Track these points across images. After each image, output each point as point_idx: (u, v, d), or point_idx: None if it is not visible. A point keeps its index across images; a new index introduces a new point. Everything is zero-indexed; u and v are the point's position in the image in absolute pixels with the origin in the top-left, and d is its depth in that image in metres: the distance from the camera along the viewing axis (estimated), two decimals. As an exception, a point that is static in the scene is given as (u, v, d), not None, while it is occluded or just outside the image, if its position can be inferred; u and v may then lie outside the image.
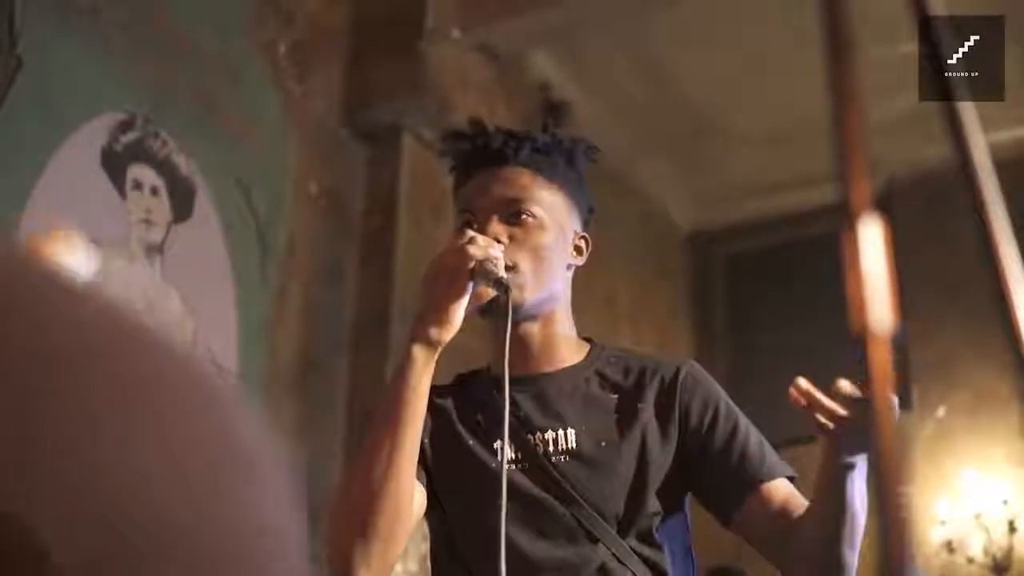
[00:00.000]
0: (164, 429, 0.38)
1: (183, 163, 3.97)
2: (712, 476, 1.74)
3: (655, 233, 6.74)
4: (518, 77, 5.58)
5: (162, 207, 3.87)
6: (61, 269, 0.41)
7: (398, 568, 4.25)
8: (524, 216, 1.77)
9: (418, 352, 1.63)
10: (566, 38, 5.66)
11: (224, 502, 0.39)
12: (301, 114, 4.59)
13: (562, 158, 1.84)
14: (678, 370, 1.79)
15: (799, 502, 1.70)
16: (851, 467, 1.57)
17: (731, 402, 1.79)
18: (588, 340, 1.89)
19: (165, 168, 3.90)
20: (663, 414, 1.75)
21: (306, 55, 4.65)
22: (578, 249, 1.86)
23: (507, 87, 5.39)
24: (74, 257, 0.58)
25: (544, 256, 1.76)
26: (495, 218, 1.77)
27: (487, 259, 1.63)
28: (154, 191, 3.85)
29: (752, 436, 1.75)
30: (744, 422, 1.76)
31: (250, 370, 4.11)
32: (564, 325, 1.84)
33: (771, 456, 1.74)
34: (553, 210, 1.80)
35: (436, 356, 1.65)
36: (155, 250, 3.82)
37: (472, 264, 1.62)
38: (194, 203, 4.01)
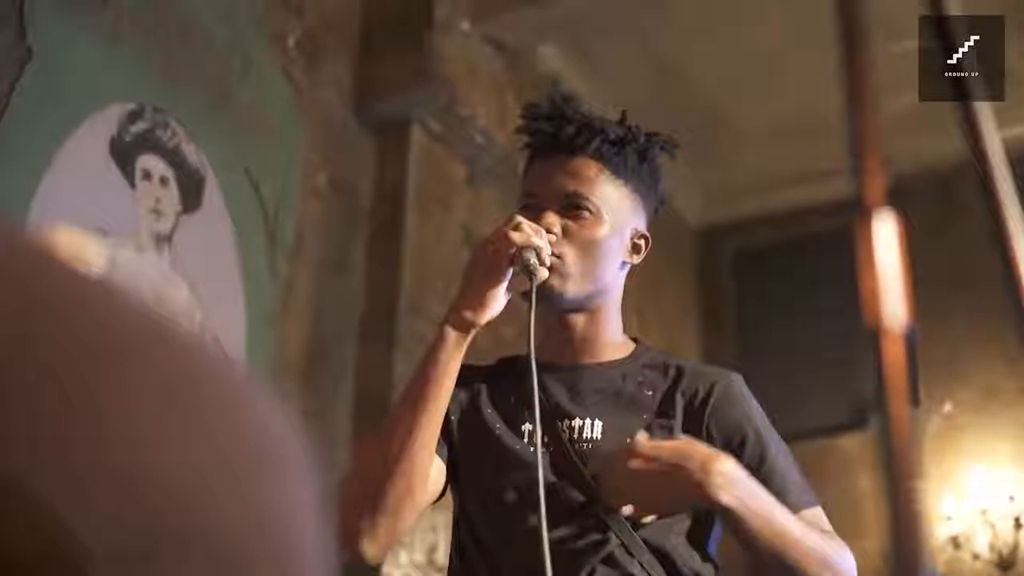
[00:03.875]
0: (195, 427, 0.38)
1: (192, 153, 3.97)
2: None
3: (663, 227, 6.71)
4: (527, 70, 5.58)
5: (171, 197, 3.88)
6: (89, 266, 0.41)
7: (403, 559, 4.25)
8: (581, 210, 1.76)
9: (450, 332, 1.65)
10: (575, 31, 5.66)
11: (251, 500, 0.39)
12: (310, 105, 4.58)
13: (635, 153, 1.82)
14: (713, 385, 1.76)
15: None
16: (732, 515, 1.56)
17: (764, 424, 1.76)
18: (635, 340, 1.89)
19: (174, 158, 3.90)
20: (691, 425, 1.73)
21: (315, 46, 4.65)
22: (636, 248, 1.85)
23: (516, 80, 5.39)
24: (84, 256, 0.58)
25: (594, 252, 1.75)
26: (552, 207, 1.76)
27: (527, 245, 1.63)
28: (163, 181, 3.85)
29: (778, 467, 1.71)
30: (774, 449, 1.73)
31: (257, 361, 4.11)
32: (610, 321, 1.84)
33: (794, 489, 1.71)
34: (614, 206, 1.79)
35: (469, 338, 1.66)
36: (164, 240, 3.83)
37: (513, 250, 1.62)
38: (203, 193, 4.01)
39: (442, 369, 1.64)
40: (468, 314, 1.65)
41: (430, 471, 1.66)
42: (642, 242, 1.86)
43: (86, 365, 0.37)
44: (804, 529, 1.62)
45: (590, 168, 1.79)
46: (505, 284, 1.65)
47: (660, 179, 1.88)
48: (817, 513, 1.72)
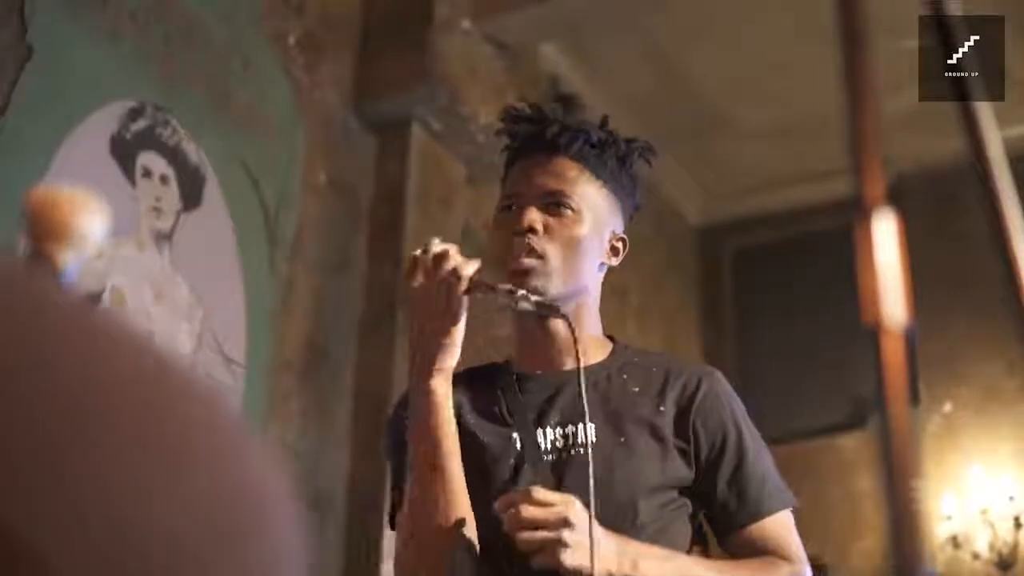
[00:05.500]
0: (189, 482, 0.38)
1: (193, 151, 3.98)
2: (710, 504, 1.75)
3: (664, 227, 6.74)
4: (528, 69, 5.58)
5: (172, 195, 3.88)
6: (82, 299, 0.41)
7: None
8: (562, 208, 1.77)
9: (437, 386, 1.65)
10: (575, 30, 5.66)
11: (244, 555, 0.39)
12: (310, 104, 4.59)
13: (614, 156, 1.84)
14: (699, 384, 1.78)
15: (774, 544, 1.72)
16: None
17: (745, 424, 1.78)
18: (611, 338, 1.89)
19: (175, 156, 3.90)
20: (679, 423, 1.75)
21: (316, 45, 4.65)
22: (614, 250, 1.86)
23: (517, 79, 5.39)
24: (88, 221, 0.58)
25: (575, 251, 1.76)
26: (534, 206, 1.77)
27: (474, 272, 1.63)
28: (164, 179, 3.85)
29: (755, 472, 1.74)
30: (752, 453, 1.75)
31: (258, 359, 4.12)
32: (590, 322, 1.84)
33: (766, 495, 1.74)
34: (594, 207, 1.80)
35: (451, 378, 1.67)
36: (164, 238, 3.83)
37: (465, 286, 1.62)
38: (203, 192, 4.01)
39: (444, 421, 1.65)
40: (447, 360, 1.65)
41: (474, 520, 1.67)
42: (620, 244, 1.87)
43: (79, 401, 0.36)
44: (718, 570, 1.67)
45: (571, 168, 1.80)
46: (463, 320, 1.65)
47: (638, 184, 1.89)
48: (778, 520, 1.75)
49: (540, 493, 1.58)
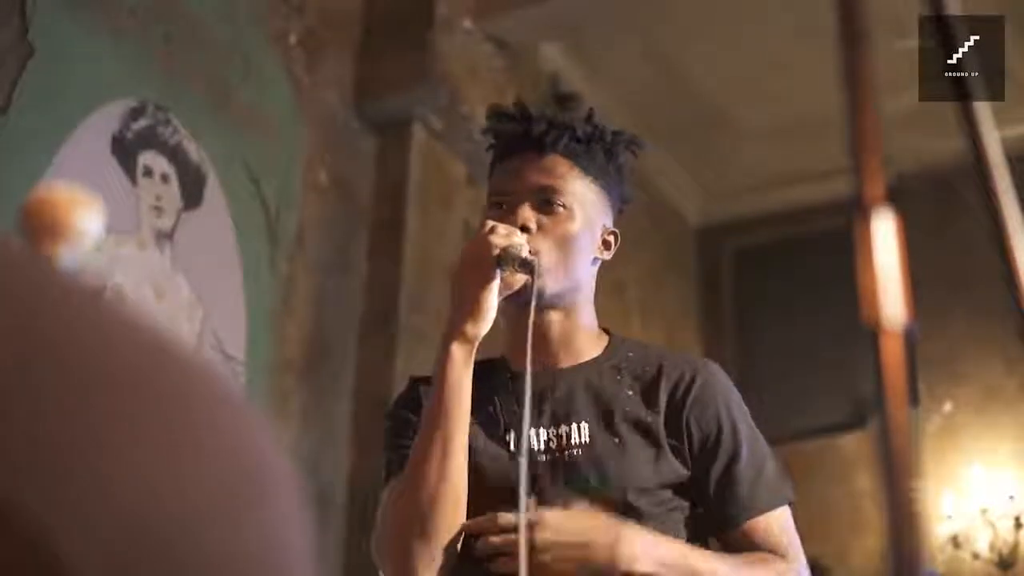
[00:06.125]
0: (194, 457, 0.38)
1: (193, 151, 3.98)
2: (704, 500, 1.74)
3: (664, 226, 6.74)
4: (528, 68, 5.58)
5: (172, 194, 3.88)
6: (77, 270, 0.41)
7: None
8: (554, 205, 1.77)
9: (456, 349, 1.65)
10: (575, 31, 5.66)
11: (250, 530, 0.39)
12: (311, 104, 4.59)
13: (602, 151, 1.83)
14: (693, 377, 1.77)
15: (768, 542, 1.71)
16: None
17: (740, 417, 1.77)
18: (607, 331, 1.89)
19: (176, 155, 3.90)
20: (673, 421, 1.74)
21: (317, 45, 4.65)
22: (606, 244, 1.85)
23: (517, 78, 5.39)
24: (85, 218, 0.58)
25: (569, 247, 1.76)
26: (525, 204, 1.77)
27: (510, 245, 1.64)
28: (164, 178, 3.86)
29: (747, 471, 1.73)
30: (746, 451, 1.74)
31: (258, 358, 4.12)
32: (585, 318, 1.84)
33: (760, 492, 1.73)
34: (584, 202, 1.80)
35: (475, 350, 1.66)
36: (165, 237, 3.83)
37: (496, 252, 1.63)
38: (204, 191, 4.01)
39: (457, 390, 1.64)
40: (469, 327, 1.65)
41: (466, 490, 1.67)
42: (612, 238, 1.86)
43: (85, 391, 0.36)
44: (731, 566, 1.66)
45: (561, 165, 1.80)
46: (496, 289, 1.65)
47: (625, 177, 1.89)
48: (772, 518, 1.74)
49: (505, 519, 1.58)
